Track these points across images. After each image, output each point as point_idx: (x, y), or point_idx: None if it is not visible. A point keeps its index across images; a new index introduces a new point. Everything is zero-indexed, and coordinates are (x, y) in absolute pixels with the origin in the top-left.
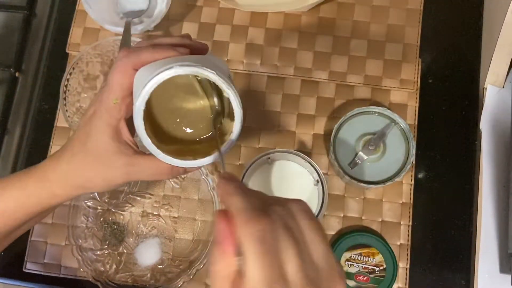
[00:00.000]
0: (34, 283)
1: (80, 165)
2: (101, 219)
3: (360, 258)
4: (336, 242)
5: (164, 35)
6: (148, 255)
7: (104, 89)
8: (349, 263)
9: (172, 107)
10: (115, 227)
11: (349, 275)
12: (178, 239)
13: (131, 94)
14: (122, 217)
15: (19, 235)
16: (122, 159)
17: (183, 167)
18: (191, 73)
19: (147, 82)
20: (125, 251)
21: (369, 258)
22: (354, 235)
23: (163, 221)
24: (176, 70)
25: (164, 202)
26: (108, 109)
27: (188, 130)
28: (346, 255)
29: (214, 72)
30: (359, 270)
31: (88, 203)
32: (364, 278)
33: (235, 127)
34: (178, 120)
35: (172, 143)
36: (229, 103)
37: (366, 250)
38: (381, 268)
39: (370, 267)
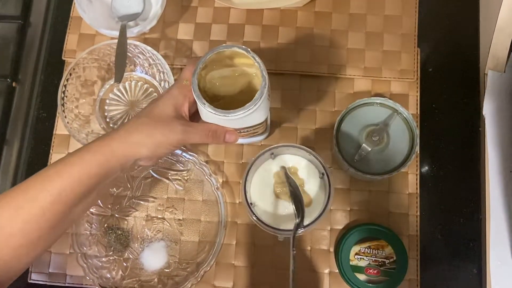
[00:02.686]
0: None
1: (145, 126)
2: (105, 225)
3: (370, 251)
4: (344, 236)
5: (160, 37)
6: (154, 259)
7: (175, 82)
8: (359, 256)
9: (221, 75)
10: (120, 232)
11: (359, 269)
12: (184, 242)
13: None
14: (126, 222)
15: (80, 214)
16: (181, 124)
17: (223, 135)
18: (236, 49)
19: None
20: (130, 256)
21: (379, 251)
22: (362, 228)
23: (168, 224)
24: (223, 47)
25: (168, 205)
26: (180, 86)
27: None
28: (355, 248)
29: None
30: (369, 264)
31: (91, 210)
32: (375, 271)
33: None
34: (224, 85)
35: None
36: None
37: (375, 243)
38: (391, 260)
39: (380, 259)
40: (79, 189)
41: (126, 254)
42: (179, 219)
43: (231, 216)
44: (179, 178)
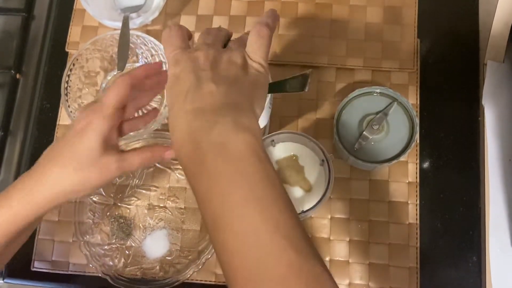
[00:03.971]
0: (43, 281)
1: (77, 174)
2: (108, 214)
3: None
4: None
5: (162, 28)
6: (156, 247)
7: (96, 104)
8: None
9: None
10: (122, 221)
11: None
12: (186, 230)
13: (123, 106)
14: (128, 211)
15: (14, 251)
16: (115, 156)
17: (163, 153)
18: None
19: None
20: (133, 244)
21: None
22: None
23: (169, 212)
24: None
25: (170, 194)
26: (106, 116)
27: None
28: None
29: None
30: None
31: (94, 199)
32: None
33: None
34: None
35: None
36: None
37: None
38: None
39: None
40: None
41: (129, 242)
42: (180, 208)
43: None
44: (181, 167)
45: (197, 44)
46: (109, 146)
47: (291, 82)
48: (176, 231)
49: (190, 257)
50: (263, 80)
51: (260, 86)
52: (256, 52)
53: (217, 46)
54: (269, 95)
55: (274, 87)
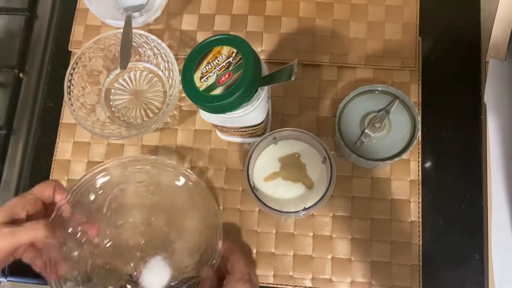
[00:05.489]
0: (45, 280)
1: None
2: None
3: (211, 65)
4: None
5: (164, 28)
6: (157, 278)
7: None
8: (205, 78)
9: None
10: (108, 266)
11: (212, 86)
12: (178, 248)
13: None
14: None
15: None
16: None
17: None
18: None
19: None
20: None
21: (218, 58)
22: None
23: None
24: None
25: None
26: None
27: None
28: (197, 75)
29: None
30: (217, 75)
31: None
32: (226, 76)
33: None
34: None
35: None
36: None
37: (210, 56)
38: (234, 54)
39: (224, 63)
40: None
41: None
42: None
43: (233, 203)
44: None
45: None
46: (11, 221)
47: (278, 74)
48: (170, 253)
49: (194, 271)
50: None
51: None
52: None
53: None
54: (266, 88)
55: (265, 80)
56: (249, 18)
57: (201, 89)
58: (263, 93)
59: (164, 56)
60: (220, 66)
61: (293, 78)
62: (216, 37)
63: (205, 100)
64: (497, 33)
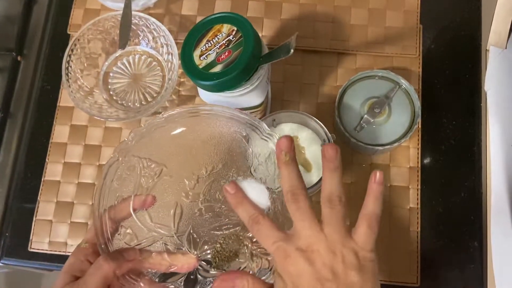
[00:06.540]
0: (40, 262)
1: None
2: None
3: (211, 43)
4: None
5: (164, 12)
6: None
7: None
8: (204, 55)
9: None
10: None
11: (212, 64)
12: None
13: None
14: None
15: None
16: None
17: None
18: None
19: None
20: None
21: (218, 36)
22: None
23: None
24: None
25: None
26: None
27: None
28: (196, 53)
29: None
30: (217, 53)
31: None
32: (226, 53)
33: None
34: None
35: None
36: None
37: (210, 34)
38: (233, 32)
39: (224, 41)
40: None
41: None
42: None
43: None
44: None
45: (298, 228)
46: None
47: (277, 50)
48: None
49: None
50: (377, 267)
51: (376, 275)
52: (367, 243)
53: (321, 239)
54: (266, 68)
55: (264, 58)
56: (250, 3)
57: (200, 67)
58: (263, 73)
59: (163, 39)
60: (220, 44)
61: (292, 51)
62: (217, 15)
63: (204, 77)
64: (498, 20)
